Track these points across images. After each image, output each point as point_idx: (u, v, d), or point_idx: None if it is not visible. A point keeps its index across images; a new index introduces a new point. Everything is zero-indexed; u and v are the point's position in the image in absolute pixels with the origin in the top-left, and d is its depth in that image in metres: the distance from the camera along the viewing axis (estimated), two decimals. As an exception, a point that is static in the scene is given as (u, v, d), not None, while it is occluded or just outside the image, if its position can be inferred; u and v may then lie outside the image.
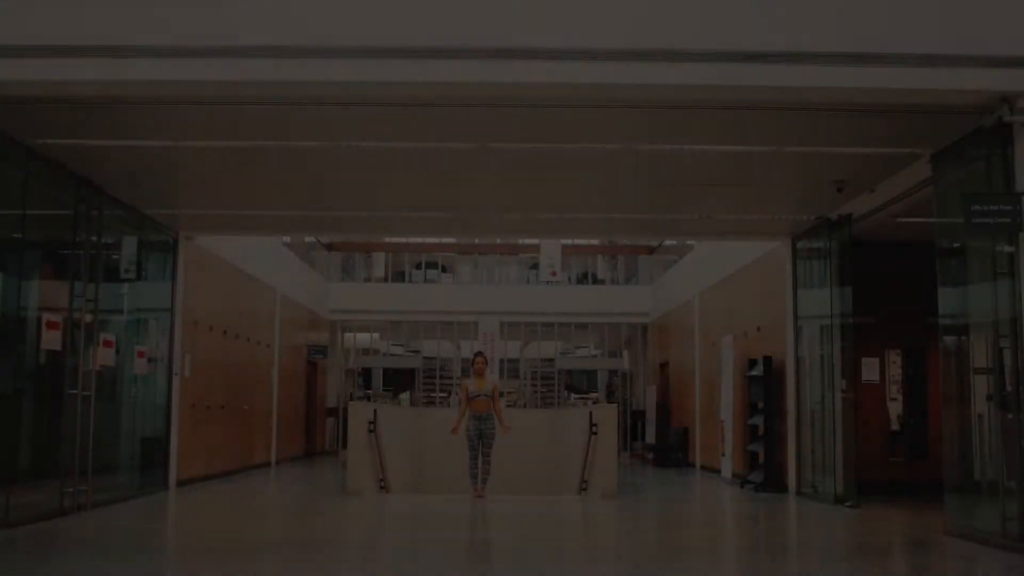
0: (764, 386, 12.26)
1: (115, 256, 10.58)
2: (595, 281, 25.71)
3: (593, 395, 29.44)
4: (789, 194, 9.77)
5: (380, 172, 9.00)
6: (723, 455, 14.07)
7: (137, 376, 10.67)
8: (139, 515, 9.07)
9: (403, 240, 25.16)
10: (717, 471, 14.91)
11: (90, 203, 9.16)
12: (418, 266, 25.36)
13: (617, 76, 6.43)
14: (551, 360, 25.02)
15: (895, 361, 12.24)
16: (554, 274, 22.70)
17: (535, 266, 24.57)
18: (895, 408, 12.22)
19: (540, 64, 6.37)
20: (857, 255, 10.42)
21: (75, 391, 8.78)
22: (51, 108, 6.99)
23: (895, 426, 12.18)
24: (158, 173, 9.14)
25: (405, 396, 29.11)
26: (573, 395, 29.60)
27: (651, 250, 23.55)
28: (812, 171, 8.71)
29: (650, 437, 20.69)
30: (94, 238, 9.26)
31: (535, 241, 24.10)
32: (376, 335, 25.00)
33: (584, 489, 12.06)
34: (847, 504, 10.04)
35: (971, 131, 7.20)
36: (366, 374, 26.33)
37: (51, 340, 8.33)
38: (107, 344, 9.55)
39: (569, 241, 24.96)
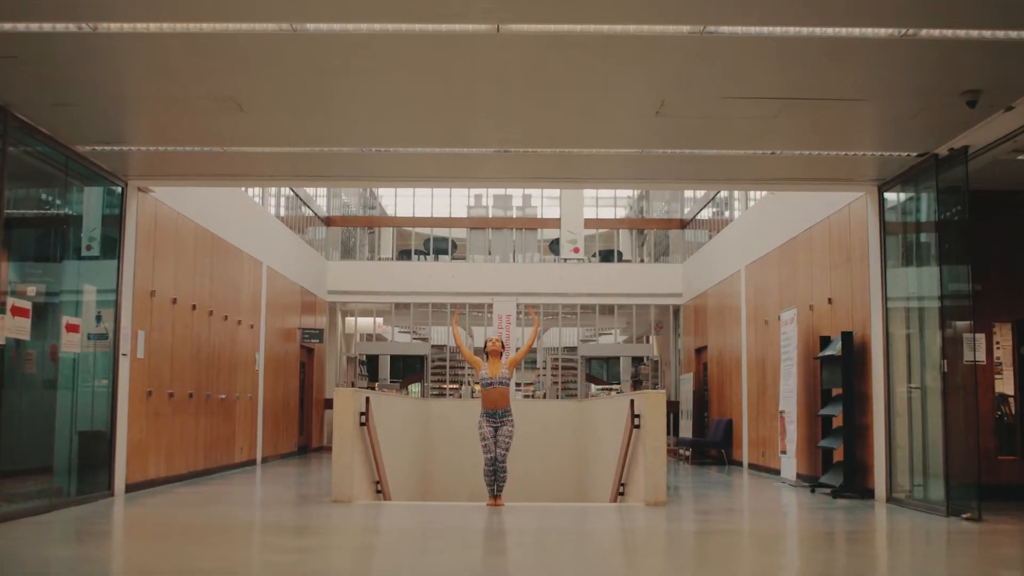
0: (842, 369, 10.07)
1: (36, 202, 8.53)
2: (621, 259, 23.49)
3: (615, 385, 27.23)
4: (889, 116, 7.48)
5: (366, 75, 6.82)
6: (783, 452, 11.87)
7: (70, 356, 8.60)
8: (51, 532, 6.98)
9: (409, 214, 23.07)
10: (771, 470, 12.74)
11: (-10, 129, 7.08)
12: (426, 243, 23.23)
13: None
14: (573, 348, 22.90)
15: (1004, 338, 10.02)
16: (576, 250, 20.58)
17: (555, 243, 22.40)
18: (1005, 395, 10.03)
19: None
20: (953, 204, 8.25)
21: (-35, 371, 6.74)
22: None
23: (1007, 417, 9.97)
24: (82, 83, 6.90)
25: (415, 388, 27.00)
26: (593, 386, 27.44)
27: (683, 224, 21.38)
28: (938, 74, 6.46)
29: (685, 431, 18.54)
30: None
31: (555, 215, 21.96)
32: (379, 319, 22.89)
33: (621, 494, 9.96)
34: (964, 516, 7.88)
35: None
36: (371, 363, 24.26)
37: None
38: (18, 313, 7.48)
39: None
